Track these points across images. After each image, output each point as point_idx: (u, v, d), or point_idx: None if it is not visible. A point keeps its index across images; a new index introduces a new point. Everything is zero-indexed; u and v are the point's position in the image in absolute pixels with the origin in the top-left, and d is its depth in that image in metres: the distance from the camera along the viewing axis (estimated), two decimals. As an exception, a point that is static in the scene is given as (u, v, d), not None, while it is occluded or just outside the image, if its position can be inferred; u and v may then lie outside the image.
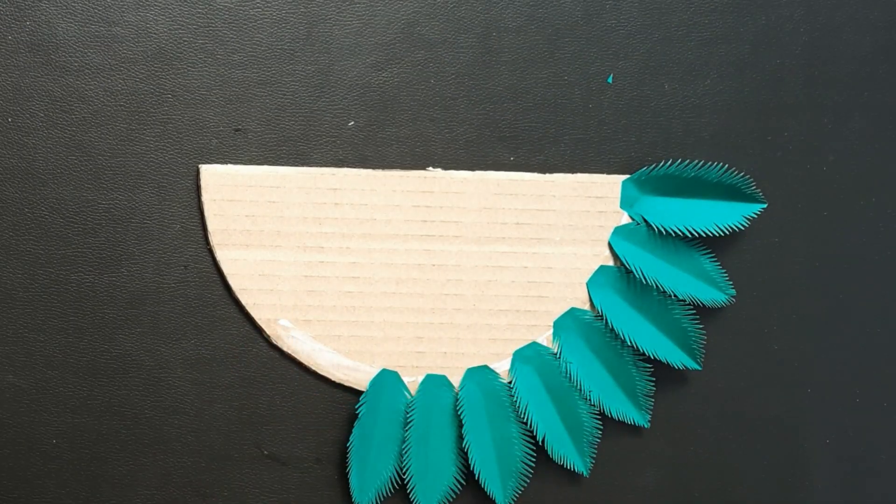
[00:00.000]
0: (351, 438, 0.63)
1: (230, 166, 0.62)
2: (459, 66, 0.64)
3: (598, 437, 0.66)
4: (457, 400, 0.64)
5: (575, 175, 0.65)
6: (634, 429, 0.67)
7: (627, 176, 0.65)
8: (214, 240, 0.62)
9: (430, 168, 0.64)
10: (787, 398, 0.69)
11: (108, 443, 0.62)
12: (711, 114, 0.67)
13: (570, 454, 0.65)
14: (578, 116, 0.65)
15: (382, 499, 0.64)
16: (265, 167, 0.62)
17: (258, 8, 0.62)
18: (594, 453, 0.66)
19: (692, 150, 0.67)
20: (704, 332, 0.66)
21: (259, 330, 0.62)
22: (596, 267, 0.66)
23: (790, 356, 0.69)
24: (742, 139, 0.67)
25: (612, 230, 0.66)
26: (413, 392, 0.64)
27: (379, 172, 0.63)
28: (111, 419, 0.62)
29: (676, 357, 0.66)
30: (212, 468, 0.63)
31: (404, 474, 0.64)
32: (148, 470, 0.62)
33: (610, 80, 0.66)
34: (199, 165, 0.61)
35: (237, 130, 0.62)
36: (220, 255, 0.62)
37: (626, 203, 0.66)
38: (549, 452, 0.65)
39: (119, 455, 0.62)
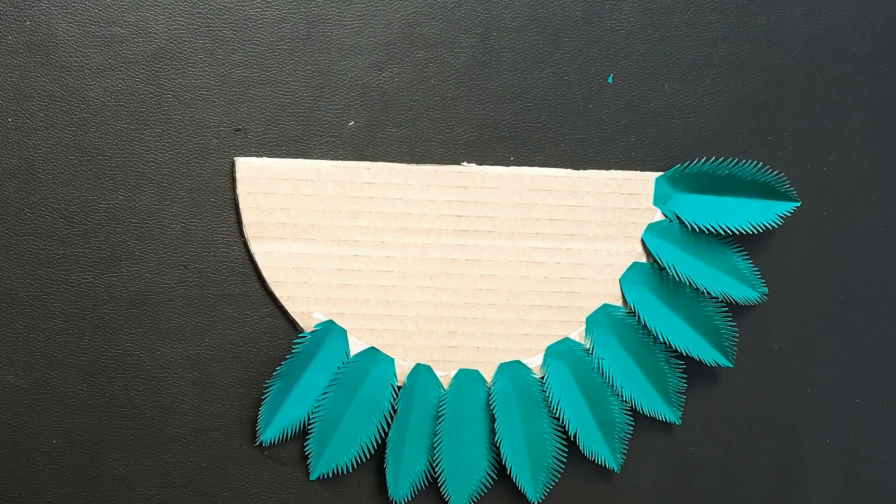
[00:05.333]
0: (389, 433, 0.63)
1: (265, 159, 0.62)
2: (459, 66, 0.64)
3: (630, 434, 0.66)
4: (489, 395, 0.64)
5: (608, 171, 0.65)
6: (634, 428, 0.67)
7: (661, 173, 0.66)
8: (249, 232, 0.62)
9: (465, 163, 0.64)
10: (787, 398, 0.69)
11: (108, 443, 0.62)
12: (711, 114, 0.67)
13: (601, 450, 0.65)
14: (578, 116, 0.65)
15: (416, 493, 0.64)
16: (300, 160, 0.62)
17: (258, 8, 0.62)
18: (625, 449, 0.66)
19: (692, 150, 0.67)
20: (737, 329, 0.66)
21: (293, 323, 0.63)
22: (629, 263, 0.66)
23: (790, 356, 0.69)
24: (742, 139, 0.67)
25: (645, 227, 0.66)
26: (445, 386, 0.64)
27: (414, 167, 0.63)
28: (111, 419, 0.62)
29: (709, 354, 0.66)
30: (212, 468, 0.63)
31: (436, 468, 0.64)
32: (148, 470, 0.62)
33: (610, 80, 0.66)
34: (235, 158, 0.62)
35: (237, 130, 0.62)
36: (255, 247, 0.62)
37: (659, 200, 0.66)
38: (581, 448, 0.65)
39: (119, 455, 0.62)
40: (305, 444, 0.63)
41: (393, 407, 0.64)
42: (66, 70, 0.60)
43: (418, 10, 0.64)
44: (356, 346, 0.63)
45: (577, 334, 0.65)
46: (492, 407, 0.64)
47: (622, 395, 0.66)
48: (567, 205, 0.65)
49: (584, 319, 0.65)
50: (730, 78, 0.67)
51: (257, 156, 0.62)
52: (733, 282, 0.66)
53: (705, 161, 0.66)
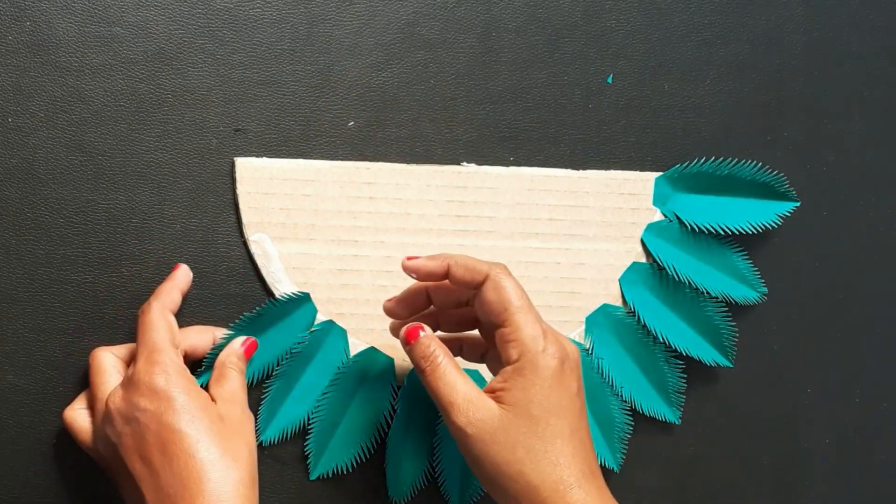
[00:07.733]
0: (389, 433, 0.64)
1: (265, 159, 0.62)
2: (459, 66, 0.64)
3: (630, 434, 0.66)
4: None
5: (608, 171, 0.65)
6: (634, 428, 0.67)
7: (661, 173, 0.66)
8: (249, 233, 0.62)
9: (465, 163, 0.64)
10: (787, 398, 0.69)
11: (108, 443, 0.62)
12: (711, 114, 0.67)
13: (601, 450, 0.65)
14: (578, 116, 0.66)
15: (416, 493, 0.64)
16: (300, 160, 0.62)
17: (258, 8, 0.62)
18: (625, 449, 0.66)
19: (692, 150, 0.67)
20: (737, 329, 0.66)
21: None
22: (628, 263, 0.66)
23: (790, 356, 0.69)
24: (742, 139, 0.67)
25: (644, 227, 0.66)
26: None
27: (413, 167, 0.63)
28: (111, 419, 0.62)
29: (709, 354, 0.66)
30: (212, 468, 0.63)
31: (436, 468, 0.64)
32: (148, 470, 0.62)
33: (610, 80, 0.66)
34: (235, 158, 0.62)
35: (237, 130, 0.62)
36: (255, 248, 0.62)
37: (658, 200, 0.66)
38: None
39: (119, 455, 0.62)
40: (305, 444, 0.63)
41: (393, 407, 0.64)
42: (66, 70, 0.60)
43: (418, 10, 0.64)
44: (356, 346, 0.63)
45: (577, 334, 0.65)
46: (492, 407, 0.64)
47: (622, 395, 0.66)
48: (567, 205, 0.65)
49: (584, 319, 0.65)
50: (730, 78, 0.67)
51: (257, 156, 0.62)
52: (733, 282, 0.66)
53: (705, 161, 0.66)
